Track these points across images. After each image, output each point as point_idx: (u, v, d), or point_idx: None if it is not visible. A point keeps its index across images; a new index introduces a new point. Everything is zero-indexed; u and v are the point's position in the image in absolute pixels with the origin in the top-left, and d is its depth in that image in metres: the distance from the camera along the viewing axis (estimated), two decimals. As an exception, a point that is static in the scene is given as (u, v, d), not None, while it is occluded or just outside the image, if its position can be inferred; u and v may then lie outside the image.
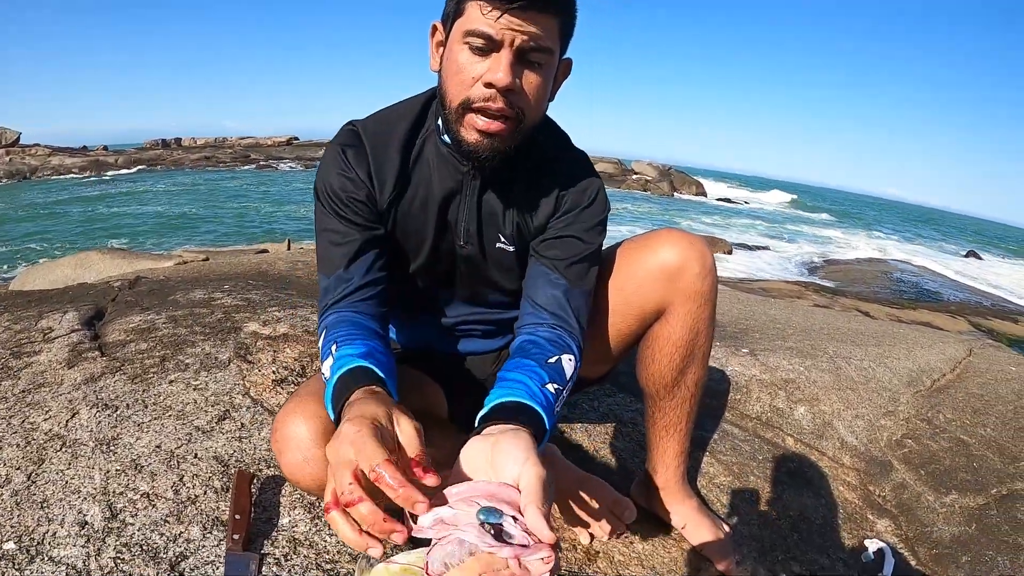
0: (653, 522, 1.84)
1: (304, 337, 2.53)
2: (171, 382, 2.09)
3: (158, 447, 1.74)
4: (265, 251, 6.42)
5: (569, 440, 2.18)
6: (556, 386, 1.24)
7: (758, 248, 27.04)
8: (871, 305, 13.74)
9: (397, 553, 1.19)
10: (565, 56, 1.34)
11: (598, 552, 1.70)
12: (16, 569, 1.32)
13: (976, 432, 2.82)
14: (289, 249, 6.70)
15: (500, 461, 0.94)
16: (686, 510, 1.81)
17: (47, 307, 2.89)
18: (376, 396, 1.05)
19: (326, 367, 1.20)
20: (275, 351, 2.39)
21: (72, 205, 29.87)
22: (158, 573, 1.33)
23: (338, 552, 1.45)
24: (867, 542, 2.08)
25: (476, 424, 1.11)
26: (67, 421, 1.84)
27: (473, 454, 0.98)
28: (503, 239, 1.50)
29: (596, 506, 1.71)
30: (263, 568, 1.39)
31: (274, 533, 1.48)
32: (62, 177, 40.73)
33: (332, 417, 1.12)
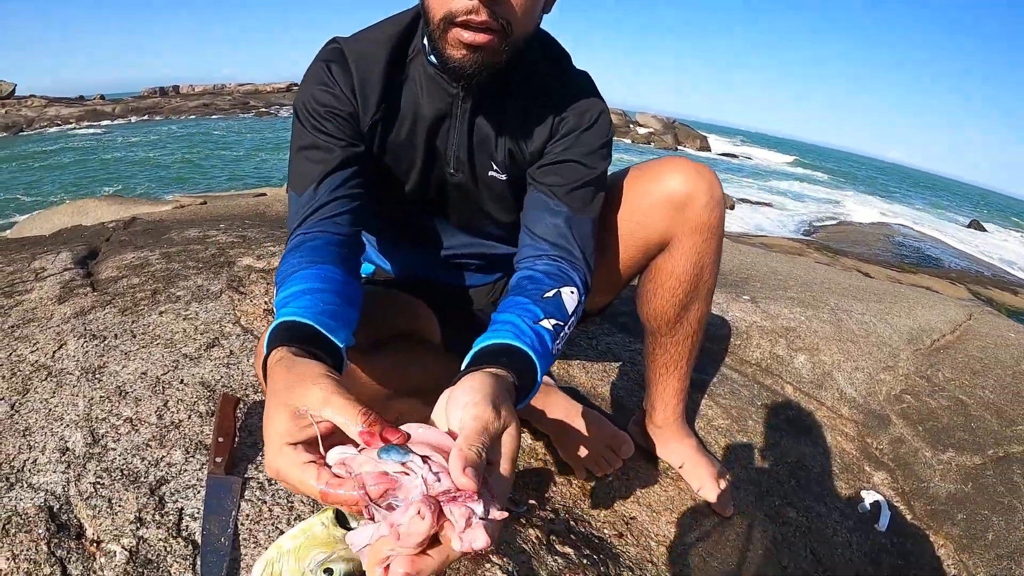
0: (651, 460, 1.82)
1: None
2: (161, 313, 2.06)
3: (144, 374, 1.70)
4: (263, 195, 6.33)
5: (566, 377, 2.15)
6: (554, 322, 1.14)
7: (760, 204, 26.96)
8: (871, 266, 13.68)
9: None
10: None
11: (593, 488, 1.66)
12: (-4, 497, 1.30)
13: (975, 393, 2.79)
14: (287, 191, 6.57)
15: (451, 410, 0.82)
16: (684, 449, 1.78)
17: (40, 249, 2.86)
18: (278, 380, 0.84)
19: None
20: (268, 283, 2.36)
21: (69, 155, 29.77)
22: (137, 497, 1.30)
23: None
24: (864, 493, 2.07)
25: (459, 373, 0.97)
26: (54, 352, 1.81)
27: (437, 411, 0.85)
28: (495, 167, 1.40)
29: (593, 440, 1.66)
30: (245, 492, 1.35)
31: (259, 457, 1.44)
32: (59, 128, 40.58)
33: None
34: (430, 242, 1.58)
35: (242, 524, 1.28)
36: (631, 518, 1.61)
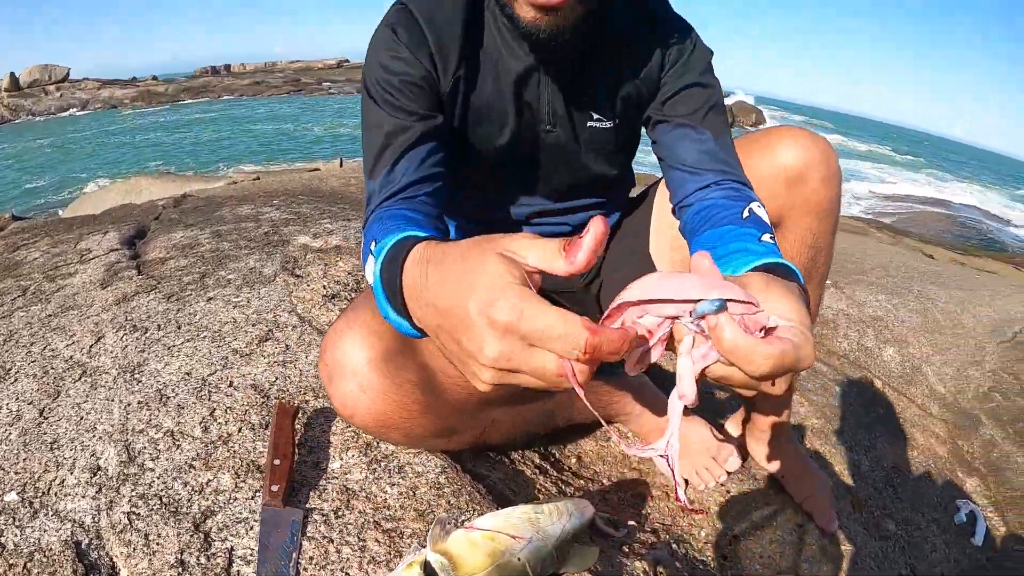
0: (748, 468, 1.71)
1: (359, 250, 2.30)
2: (209, 299, 1.87)
3: (188, 374, 1.49)
4: (317, 169, 6.24)
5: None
6: (768, 235, 1.03)
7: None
8: (935, 248, 13.51)
9: (476, 518, 0.96)
10: None
11: (693, 501, 1.55)
12: (17, 526, 1.10)
13: (1062, 390, 2.73)
14: (341, 166, 6.51)
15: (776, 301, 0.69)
16: (787, 457, 1.66)
17: (88, 229, 2.78)
18: (459, 245, 0.69)
19: (369, 270, 0.92)
20: (326, 264, 2.16)
21: (124, 136, 30.69)
22: (179, 533, 1.08)
23: (400, 507, 1.18)
24: (959, 503, 2.04)
25: None
26: (90, 347, 1.64)
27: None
28: (596, 115, 1.27)
29: (695, 450, 1.62)
30: (308, 527, 1.12)
31: (322, 482, 1.21)
32: (113, 109, 41.94)
33: (388, 313, 0.82)
34: (516, 213, 1.43)
35: (304, 569, 1.05)
36: (734, 537, 1.49)
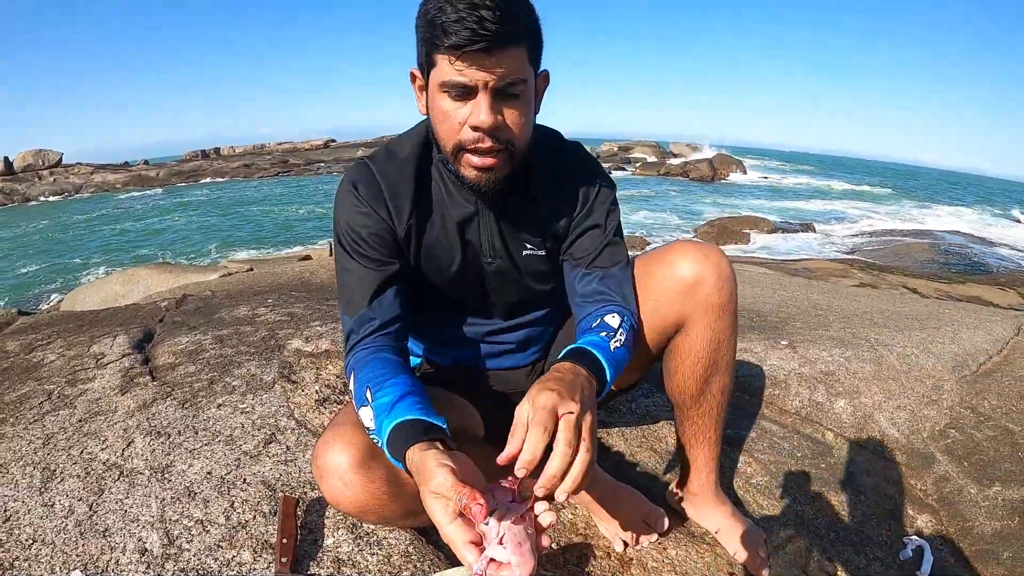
0: (687, 527, 1.86)
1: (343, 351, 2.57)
2: (219, 406, 2.16)
3: (209, 473, 1.80)
4: (308, 258, 6.51)
5: (605, 445, 2.20)
6: (603, 333, 1.37)
7: (801, 225, 26.57)
8: (919, 281, 13.32)
9: None
10: (541, 70, 1.38)
11: (631, 559, 1.72)
12: (85, 596, 1.40)
13: (1022, 419, 2.73)
14: (331, 255, 6.77)
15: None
16: (720, 516, 1.82)
17: (98, 331, 3.02)
18: (421, 476, 1.11)
19: (367, 417, 1.27)
20: (318, 368, 2.46)
21: (117, 221, 30.47)
22: (214, 597, 1.40)
23: (379, 571, 1.50)
24: (906, 539, 2.05)
25: None
26: (123, 450, 1.92)
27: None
28: (530, 246, 1.57)
29: (629, 516, 1.76)
30: (310, 589, 1.44)
31: (319, 554, 1.53)
32: (106, 193, 41.76)
33: (397, 464, 1.20)
34: (471, 329, 1.71)
35: (308, 618, 1.37)
36: (670, 588, 1.66)
